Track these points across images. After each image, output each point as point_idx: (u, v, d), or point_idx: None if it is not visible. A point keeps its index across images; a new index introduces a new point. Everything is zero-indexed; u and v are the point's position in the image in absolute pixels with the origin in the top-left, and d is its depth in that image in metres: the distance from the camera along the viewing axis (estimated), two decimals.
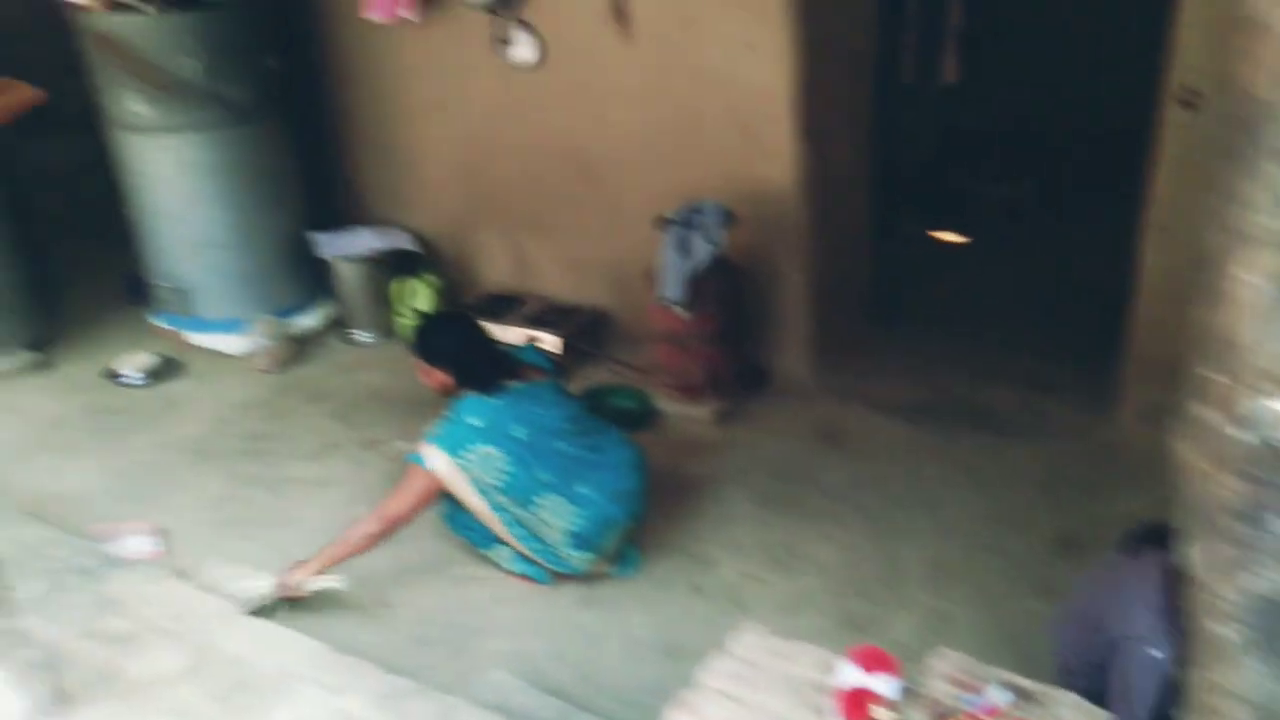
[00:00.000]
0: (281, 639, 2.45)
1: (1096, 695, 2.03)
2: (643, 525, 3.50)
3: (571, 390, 3.46)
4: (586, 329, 4.74)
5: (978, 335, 4.77)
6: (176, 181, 4.66)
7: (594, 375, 4.60)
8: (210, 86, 4.52)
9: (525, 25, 4.41)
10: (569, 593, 3.27)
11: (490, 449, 3.07)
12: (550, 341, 4.53)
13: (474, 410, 3.15)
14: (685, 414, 4.21)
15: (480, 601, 3.26)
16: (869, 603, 3.16)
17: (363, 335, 5.04)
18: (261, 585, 3.02)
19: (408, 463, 3.14)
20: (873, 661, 1.73)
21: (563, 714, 2.52)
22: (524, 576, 3.31)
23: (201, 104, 4.54)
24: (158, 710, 2.21)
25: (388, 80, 4.95)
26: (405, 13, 4.51)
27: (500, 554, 3.30)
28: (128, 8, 4.38)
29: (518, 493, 3.13)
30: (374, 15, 4.57)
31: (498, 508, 3.14)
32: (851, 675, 1.72)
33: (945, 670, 1.82)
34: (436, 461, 3.07)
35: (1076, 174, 6.09)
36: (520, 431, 3.13)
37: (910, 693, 1.78)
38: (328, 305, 5.14)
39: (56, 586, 2.68)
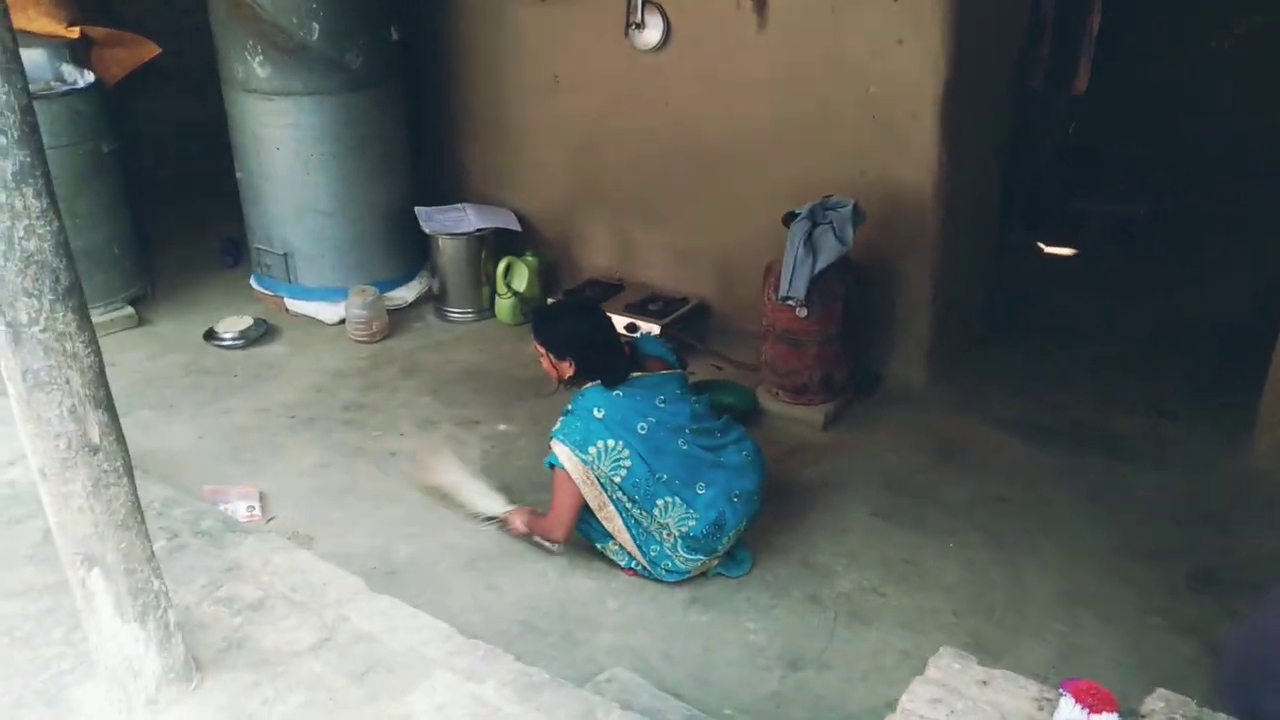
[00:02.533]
0: (410, 619, 2.36)
1: None
2: (754, 527, 3.39)
3: (692, 394, 3.34)
4: (688, 320, 4.63)
5: (1096, 355, 4.58)
6: (288, 145, 4.62)
7: (694, 368, 4.49)
8: (330, 52, 4.48)
9: (653, 6, 4.31)
10: (678, 592, 3.16)
11: (613, 442, 3.01)
12: (648, 330, 4.43)
13: (597, 402, 3.06)
14: (792, 415, 4.09)
15: (587, 592, 3.16)
16: (997, 627, 3.02)
17: (459, 313, 4.98)
18: (495, 507, 3.36)
19: (550, 469, 3.09)
20: (1093, 698, 1.61)
21: (690, 719, 2.40)
22: (632, 571, 3.21)
23: (320, 69, 4.50)
24: (293, 684, 2.14)
25: (506, 57, 4.87)
26: None
27: (612, 550, 3.20)
28: None
29: (638, 491, 3.04)
30: None
31: (617, 504, 3.06)
32: (1072, 712, 1.60)
33: (1165, 711, 1.68)
34: (564, 459, 3.02)
35: (1197, 197, 5.86)
36: (643, 426, 3.05)
37: None
38: (426, 280, 5.09)
39: (178, 547, 2.62)
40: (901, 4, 3.68)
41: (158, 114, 5.84)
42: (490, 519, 3.40)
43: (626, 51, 4.45)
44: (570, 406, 3.11)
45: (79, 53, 4.59)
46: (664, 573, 3.15)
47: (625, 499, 3.05)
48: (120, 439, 1.99)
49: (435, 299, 5.06)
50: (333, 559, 3.02)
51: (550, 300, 3.61)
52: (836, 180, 4.00)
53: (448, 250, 4.88)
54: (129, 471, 2.01)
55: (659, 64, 4.41)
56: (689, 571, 3.16)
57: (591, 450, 3.00)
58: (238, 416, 4.14)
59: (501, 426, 4.09)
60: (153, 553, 2.08)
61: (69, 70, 4.56)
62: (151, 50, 4.75)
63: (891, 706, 2.42)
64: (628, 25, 4.38)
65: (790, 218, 3.84)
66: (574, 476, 3.02)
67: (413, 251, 5.07)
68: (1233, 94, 5.86)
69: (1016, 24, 4.22)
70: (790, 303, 3.86)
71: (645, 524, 3.09)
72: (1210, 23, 6.01)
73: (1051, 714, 1.66)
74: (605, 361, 3.13)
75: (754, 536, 3.39)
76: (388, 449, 3.90)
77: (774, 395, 4.14)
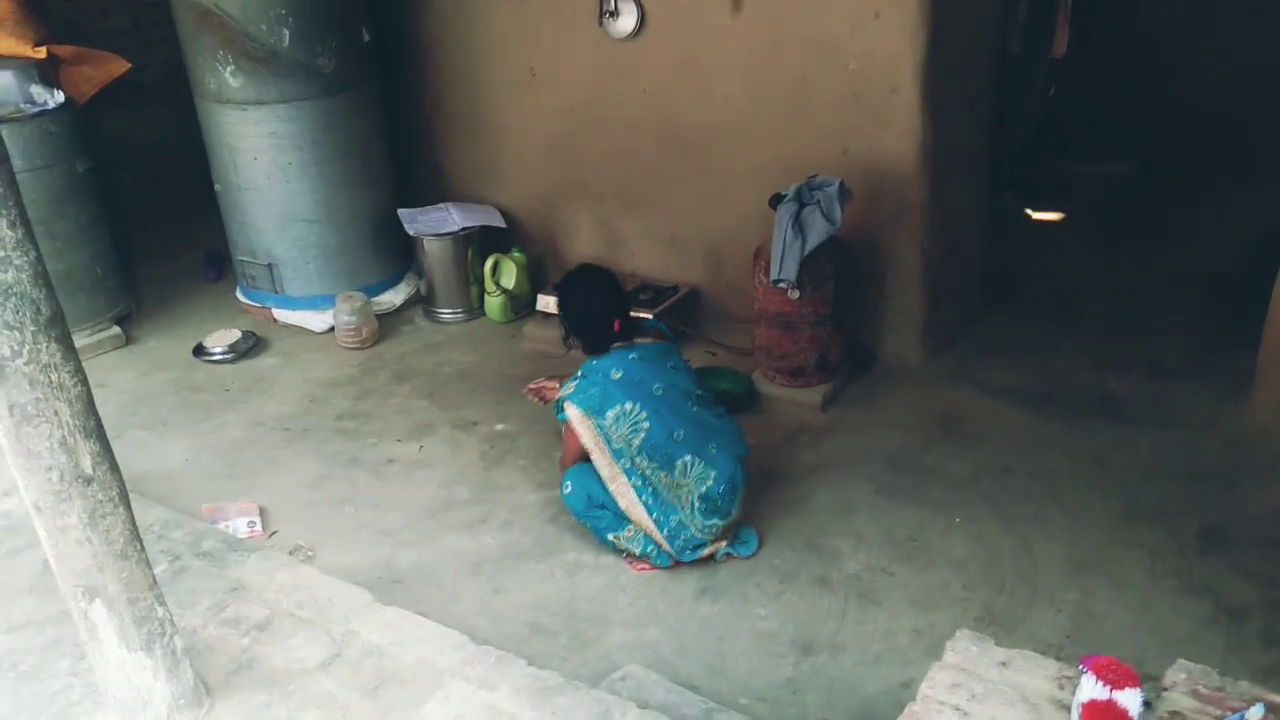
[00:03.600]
0: (419, 629, 2.34)
1: None
2: (759, 512, 3.38)
3: (688, 368, 3.36)
4: (679, 308, 4.60)
5: (1091, 318, 4.58)
6: (265, 154, 4.57)
7: (688, 356, 4.46)
8: (302, 57, 4.42)
9: None
10: (688, 583, 3.15)
11: (630, 405, 3.04)
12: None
13: (614, 364, 3.10)
14: (790, 398, 4.06)
15: (596, 589, 3.14)
16: (1009, 599, 3.00)
17: (449, 313, 4.94)
18: None
19: (561, 422, 3.18)
20: (1114, 675, 1.59)
21: (707, 713, 2.39)
22: (644, 560, 3.19)
23: (293, 75, 4.44)
24: (304, 702, 2.11)
25: (481, 52, 4.82)
26: None
27: (622, 537, 3.18)
28: None
29: (658, 453, 3.06)
30: None
31: (632, 472, 3.05)
32: (1095, 689, 1.58)
33: (1188, 684, 1.66)
34: (576, 423, 3.07)
35: (1180, 153, 5.85)
36: (658, 388, 3.10)
37: (1149, 707, 1.63)
38: (414, 282, 5.05)
39: (180, 570, 2.59)
40: None
41: (132, 129, 5.78)
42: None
43: (602, 41, 4.41)
44: (582, 370, 3.14)
45: (48, 73, 4.53)
46: (680, 548, 3.12)
47: (645, 464, 3.06)
48: (114, 467, 1.96)
49: (424, 301, 5.02)
50: (337, 571, 3.01)
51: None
52: (821, 159, 3.97)
53: (433, 251, 4.84)
54: (125, 499, 1.98)
55: (635, 52, 4.36)
56: (705, 543, 3.15)
57: (610, 415, 3.03)
58: (232, 432, 4.10)
59: (499, 426, 4.06)
60: (154, 579, 2.05)
61: (38, 91, 4.49)
62: (121, 66, 4.69)
63: (907, 687, 2.42)
64: (601, 14, 4.33)
65: (777, 200, 3.81)
66: (583, 438, 3.06)
67: (398, 254, 5.03)
68: (1211, 46, 5.84)
69: None
70: (782, 285, 3.83)
71: (664, 492, 3.08)
72: None
73: (1073, 693, 1.64)
74: (588, 333, 3.20)
75: (759, 521, 3.38)
76: (385, 456, 3.87)
77: (771, 379, 4.12)
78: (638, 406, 3.04)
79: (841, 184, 3.71)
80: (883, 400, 4.06)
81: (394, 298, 5.00)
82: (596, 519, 3.16)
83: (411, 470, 3.79)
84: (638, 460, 3.06)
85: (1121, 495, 3.42)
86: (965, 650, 1.73)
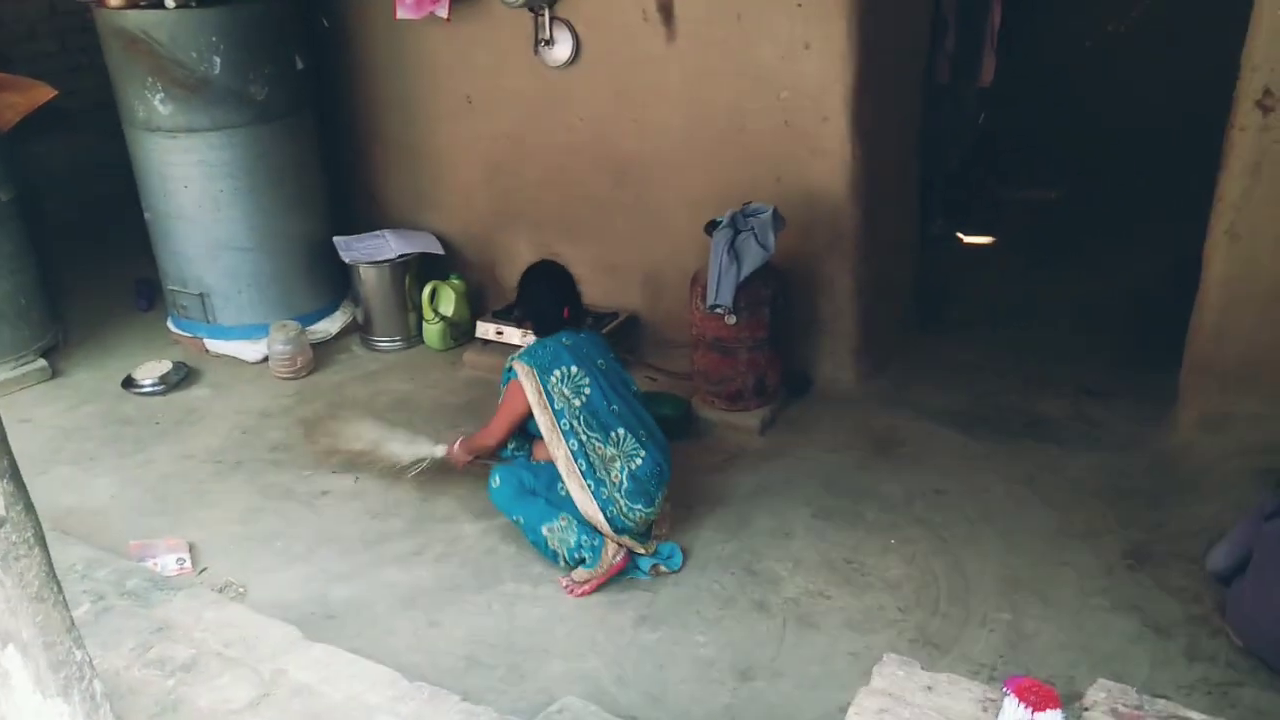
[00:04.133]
0: (349, 665, 2.30)
1: None
2: (698, 537, 3.39)
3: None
4: (618, 334, 4.60)
5: (1021, 340, 4.68)
6: (196, 182, 4.49)
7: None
8: (234, 85, 4.37)
9: (561, 22, 4.29)
10: (627, 611, 3.14)
11: (576, 369, 3.19)
12: None
13: (563, 335, 3.27)
14: (728, 422, 4.09)
15: (534, 620, 3.12)
16: (943, 620, 3.04)
17: (386, 341, 4.89)
18: (426, 449, 3.55)
19: (504, 384, 3.28)
20: (1036, 696, 1.62)
21: None
22: (580, 578, 3.18)
23: (224, 103, 4.38)
24: None
25: (417, 79, 4.81)
26: (436, 9, 4.37)
27: (555, 528, 3.19)
28: (151, 4, 4.23)
29: (595, 419, 3.17)
30: (406, 14, 4.44)
31: (570, 434, 3.13)
32: (1016, 712, 1.60)
33: (1108, 703, 1.70)
34: (523, 376, 3.18)
35: (1108, 178, 6.02)
36: (601, 363, 3.27)
37: None
38: (350, 310, 5.00)
39: (104, 609, 2.52)
40: (806, 8, 3.71)
41: (59, 156, 5.66)
42: (423, 460, 3.56)
43: (537, 69, 4.43)
44: (534, 342, 3.30)
45: None
46: (610, 518, 3.14)
47: (582, 428, 3.15)
48: (29, 507, 1.89)
49: (361, 329, 4.96)
50: (268, 608, 2.95)
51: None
52: (754, 187, 4.02)
53: (370, 279, 4.79)
54: (41, 539, 1.91)
55: (571, 79, 4.39)
56: (631, 527, 3.18)
57: (556, 374, 3.17)
58: (161, 466, 4.00)
59: (438, 453, 4.01)
60: (72, 621, 1.98)
61: None
62: (46, 93, 4.59)
63: (844, 711, 2.42)
64: (537, 42, 4.36)
65: (712, 226, 3.85)
66: (528, 391, 3.16)
67: (334, 282, 4.97)
68: (1132, 75, 6.04)
69: (921, 23, 4.29)
70: (718, 311, 3.86)
71: (596, 462, 3.15)
72: (1107, 7, 6.19)
73: (995, 715, 1.67)
74: (539, 316, 3.35)
75: (698, 545, 3.40)
76: (319, 488, 3.81)
77: (709, 403, 4.14)
78: (582, 371, 3.18)
79: (775, 211, 3.76)
80: (819, 423, 4.11)
81: (329, 326, 4.93)
82: (528, 508, 3.20)
83: (346, 502, 3.73)
84: (576, 424, 3.15)
85: (1052, 515, 3.50)
86: (892, 675, 1.74)
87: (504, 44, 4.47)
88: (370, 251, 4.82)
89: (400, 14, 4.46)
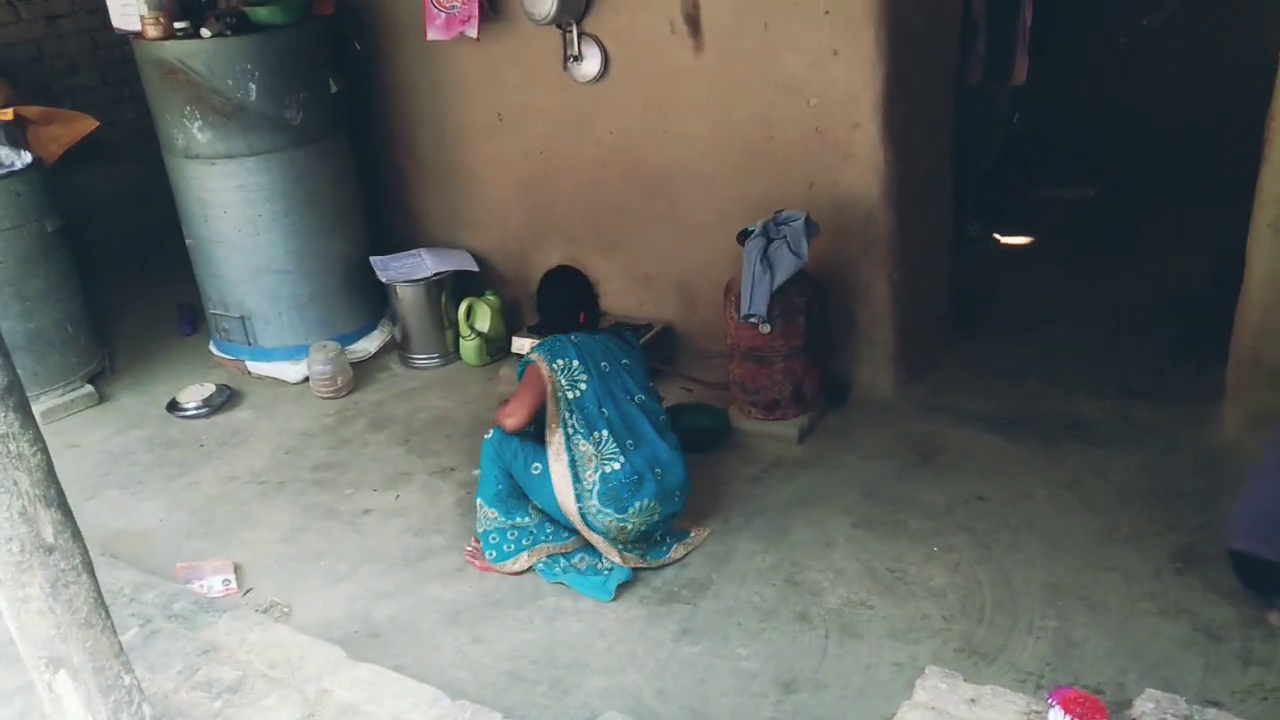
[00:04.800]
0: (394, 685, 2.32)
1: None
2: (738, 549, 3.38)
3: (651, 385, 3.56)
4: (653, 345, 4.60)
5: (1061, 342, 4.61)
6: (235, 207, 4.58)
7: (664, 393, 4.47)
8: (270, 110, 4.45)
9: (589, 38, 4.31)
10: (668, 625, 3.13)
11: (577, 363, 3.31)
12: None
13: (574, 335, 3.40)
14: (766, 432, 4.07)
15: (575, 635, 3.12)
16: (989, 628, 3.00)
17: (424, 358, 4.94)
18: None
19: (523, 369, 3.40)
20: (1082, 707, 1.59)
21: None
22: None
23: (261, 128, 4.46)
24: None
25: (448, 99, 4.86)
26: (466, 30, 4.42)
27: (529, 519, 3.36)
28: (187, 34, 4.31)
29: (584, 415, 3.26)
30: (436, 35, 4.49)
31: (564, 423, 3.24)
32: None
33: (1156, 713, 1.67)
34: (538, 361, 3.32)
35: (1146, 176, 5.93)
36: (605, 365, 3.35)
37: None
38: (388, 329, 5.05)
39: (151, 633, 2.56)
40: (833, 15, 3.70)
41: (102, 185, 5.79)
42: None
43: (567, 84, 4.46)
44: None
45: (14, 134, 4.54)
46: (584, 511, 3.23)
47: (574, 419, 3.26)
48: (76, 534, 1.94)
49: (399, 347, 5.02)
50: (313, 627, 2.99)
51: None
52: (786, 194, 4.01)
53: (406, 297, 4.84)
54: (88, 567, 1.96)
55: (600, 94, 4.41)
56: (601, 531, 3.24)
57: (558, 363, 3.30)
58: (206, 488, 4.07)
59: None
60: (120, 646, 2.03)
61: (5, 153, 4.50)
62: (89, 125, 4.71)
63: None
64: (565, 59, 4.39)
65: (744, 235, 3.84)
66: (543, 375, 3.29)
67: (372, 302, 5.03)
68: (1168, 71, 5.95)
69: (950, 24, 4.26)
70: (753, 320, 3.85)
71: (578, 457, 3.23)
72: (1141, 3, 6.10)
73: None
74: (556, 321, 3.51)
75: (737, 556, 3.38)
76: (361, 507, 3.85)
77: (746, 413, 4.13)
78: (582, 367, 3.30)
79: (808, 218, 3.75)
80: (858, 431, 4.08)
81: (368, 345, 4.99)
82: (488, 476, 3.36)
83: (388, 520, 3.77)
84: (568, 417, 3.25)
85: (1097, 519, 3.44)
86: (934, 688, 1.73)
87: (533, 61, 4.50)
88: (407, 270, 4.87)
89: (431, 35, 4.52)
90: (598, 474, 3.22)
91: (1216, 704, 2.58)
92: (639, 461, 3.26)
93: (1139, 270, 5.24)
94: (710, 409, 4.19)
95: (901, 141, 3.88)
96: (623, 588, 3.26)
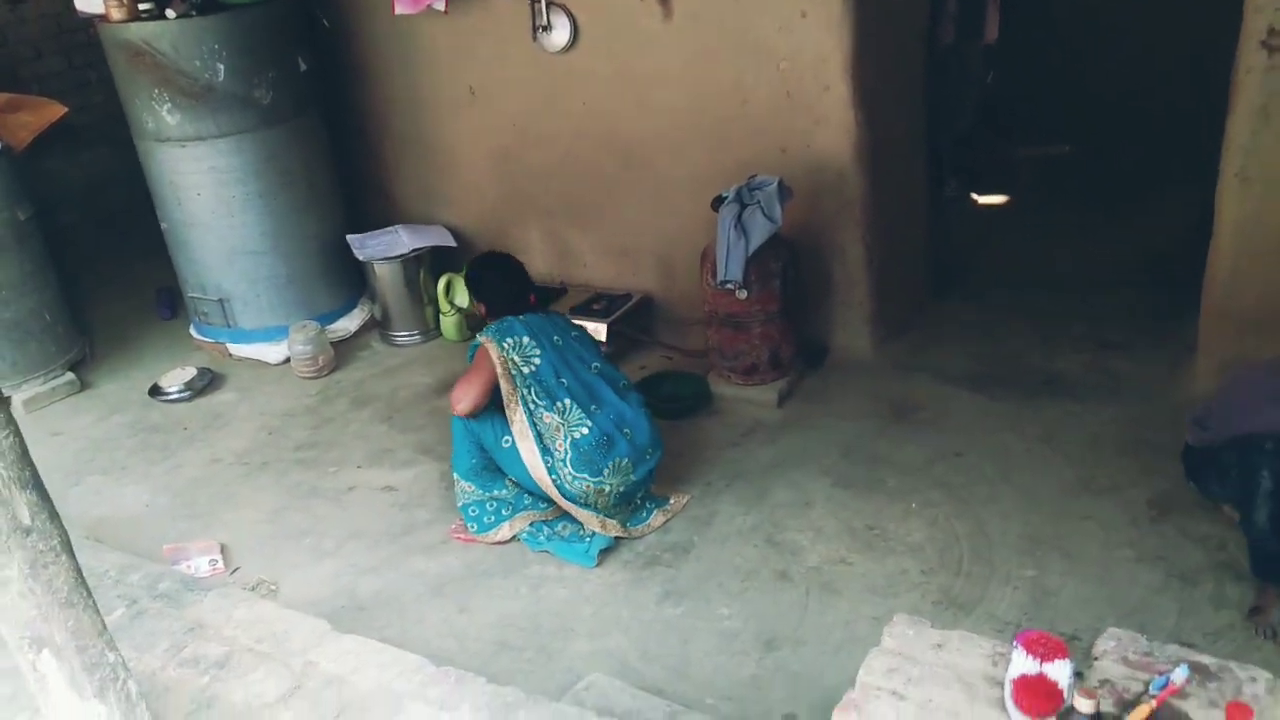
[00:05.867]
0: (378, 654, 2.35)
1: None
2: (717, 511, 3.42)
3: (603, 354, 3.62)
4: (632, 316, 4.63)
5: (1036, 299, 4.64)
6: (209, 189, 4.55)
7: (645, 362, 4.50)
8: (239, 91, 4.42)
9: (558, 8, 4.29)
10: (650, 588, 3.17)
11: (528, 339, 3.33)
12: (596, 330, 4.42)
13: (522, 315, 3.42)
14: (745, 397, 4.10)
15: (560, 601, 3.16)
16: (966, 580, 3.05)
17: (405, 335, 4.94)
18: None
19: (472, 352, 3.41)
20: (1045, 648, 1.63)
21: (670, 715, 2.41)
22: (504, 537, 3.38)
23: (231, 109, 4.43)
24: None
25: (419, 73, 4.84)
26: (434, 3, 4.39)
27: (505, 493, 3.40)
28: (152, 15, 4.28)
29: (543, 386, 3.28)
30: (404, 9, 4.46)
31: (524, 399, 3.26)
32: (1025, 664, 1.61)
33: (1117, 651, 1.70)
34: (486, 343, 3.32)
35: (1119, 132, 5.94)
36: (557, 339, 3.39)
37: (1080, 677, 1.67)
38: (368, 307, 5.05)
39: (138, 613, 2.58)
40: None
41: (74, 171, 5.75)
42: None
43: (537, 55, 4.44)
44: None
45: None
46: (559, 483, 3.26)
47: (534, 393, 3.27)
48: (53, 515, 1.95)
49: (379, 325, 5.02)
50: (300, 604, 3.02)
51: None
52: (759, 160, 4.01)
53: (385, 275, 4.84)
54: (67, 547, 1.97)
55: (571, 64, 4.39)
56: (576, 497, 3.26)
57: (508, 341, 3.31)
58: (190, 470, 4.08)
59: None
60: (104, 625, 2.04)
61: None
62: (57, 110, 4.67)
63: None
64: (535, 29, 4.36)
65: (718, 202, 3.85)
66: (492, 356, 3.29)
67: (351, 280, 5.02)
68: (1136, 25, 5.94)
69: None
70: (729, 286, 3.87)
71: (544, 429, 3.26)
72: None
73: (1005, 669, 1.68)
74: (508, 307, 3.48)
75: (719, 519, 3.41)
76: (345, 484, 3.87)
77: (725, 379, 4.16)
78: (533, 343, 3.32)
79: (780, 182, 3.76)
80: (836, 393, 4.11)
81: (348, 324, 4.99)
82: (460, 451, 3.41)
83: (373, 496, 3.79)
84: (526, 393, 3.26)
85: (1073, 470, 3.48)
86: (902, 635, 1.76)
87: (503, 33, 4.48)
88: (384, 248, 4.86)
89: (399, 9, 4.49)
90: (567, 441, 3.25)
91: (1190, 645, 2.64)
92: (605, 423, 3.29)
93: (1116, 227, 5.27)
94: (690, 377, 4.21)
95: (873, 103, 3.88)
96: (606, 553, 3.30)
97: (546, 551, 3.34)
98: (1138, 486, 3.37)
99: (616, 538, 3.35)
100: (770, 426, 3.95)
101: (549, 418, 3.27)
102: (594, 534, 3.31)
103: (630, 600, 3.13)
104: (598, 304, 4.63)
